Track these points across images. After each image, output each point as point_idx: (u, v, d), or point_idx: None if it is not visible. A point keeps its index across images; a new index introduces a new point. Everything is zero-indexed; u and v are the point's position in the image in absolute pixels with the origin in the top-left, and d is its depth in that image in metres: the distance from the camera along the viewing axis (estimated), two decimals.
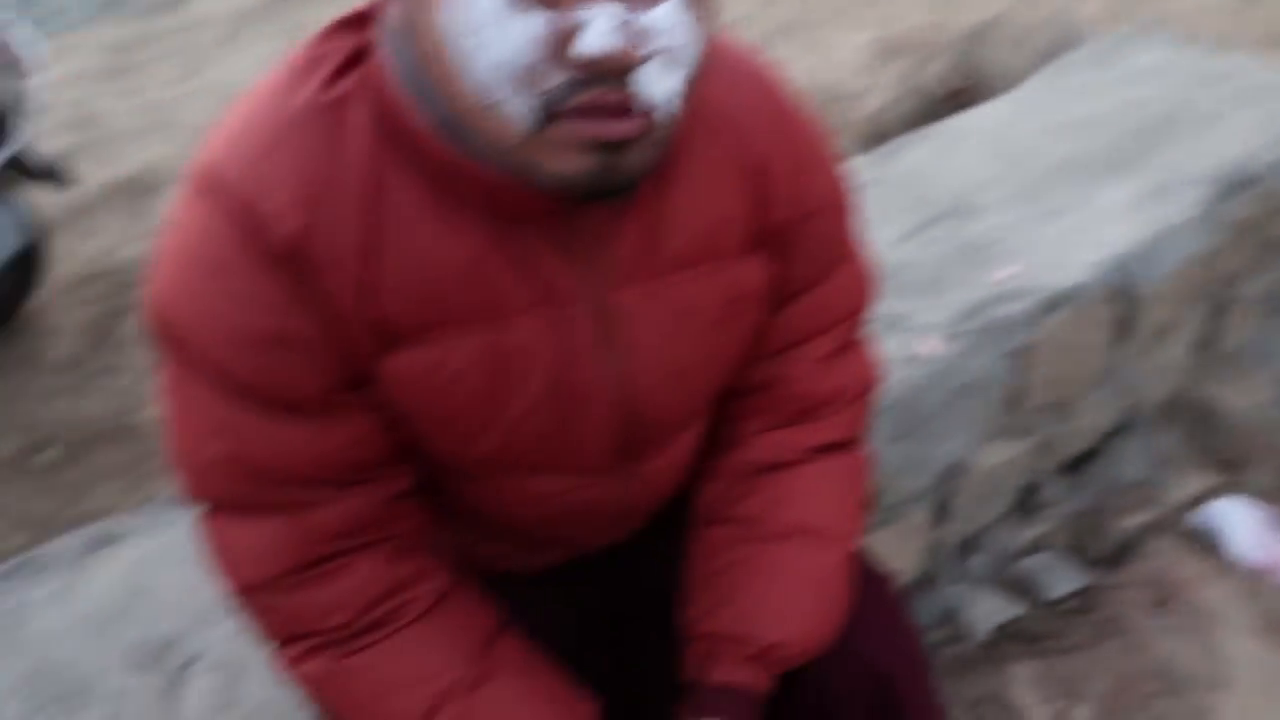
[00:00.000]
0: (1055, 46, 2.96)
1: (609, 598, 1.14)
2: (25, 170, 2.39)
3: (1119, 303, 1.87)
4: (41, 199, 2.75)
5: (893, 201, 2.05)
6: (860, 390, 1.03)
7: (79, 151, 3.50)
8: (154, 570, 1.38)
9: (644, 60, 0.64)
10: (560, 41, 0.62)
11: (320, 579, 0.82)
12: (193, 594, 1.34)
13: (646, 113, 0.66)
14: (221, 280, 0.72)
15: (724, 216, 0.84)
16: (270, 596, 0.83)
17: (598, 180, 0.68)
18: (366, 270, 0.74)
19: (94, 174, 3.28)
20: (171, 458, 0.83)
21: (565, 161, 0.67)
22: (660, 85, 0.66)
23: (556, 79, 0.63)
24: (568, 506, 0.94)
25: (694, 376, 0.90)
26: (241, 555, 0.83)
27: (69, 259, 2.82)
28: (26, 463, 2.22)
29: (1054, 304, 1.76)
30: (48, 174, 2.44)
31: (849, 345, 1.02)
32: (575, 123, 0.65)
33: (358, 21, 0.77)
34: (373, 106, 0.73)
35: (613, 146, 0.66)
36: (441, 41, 0.64)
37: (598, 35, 0.61)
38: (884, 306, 1.76)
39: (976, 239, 1.92)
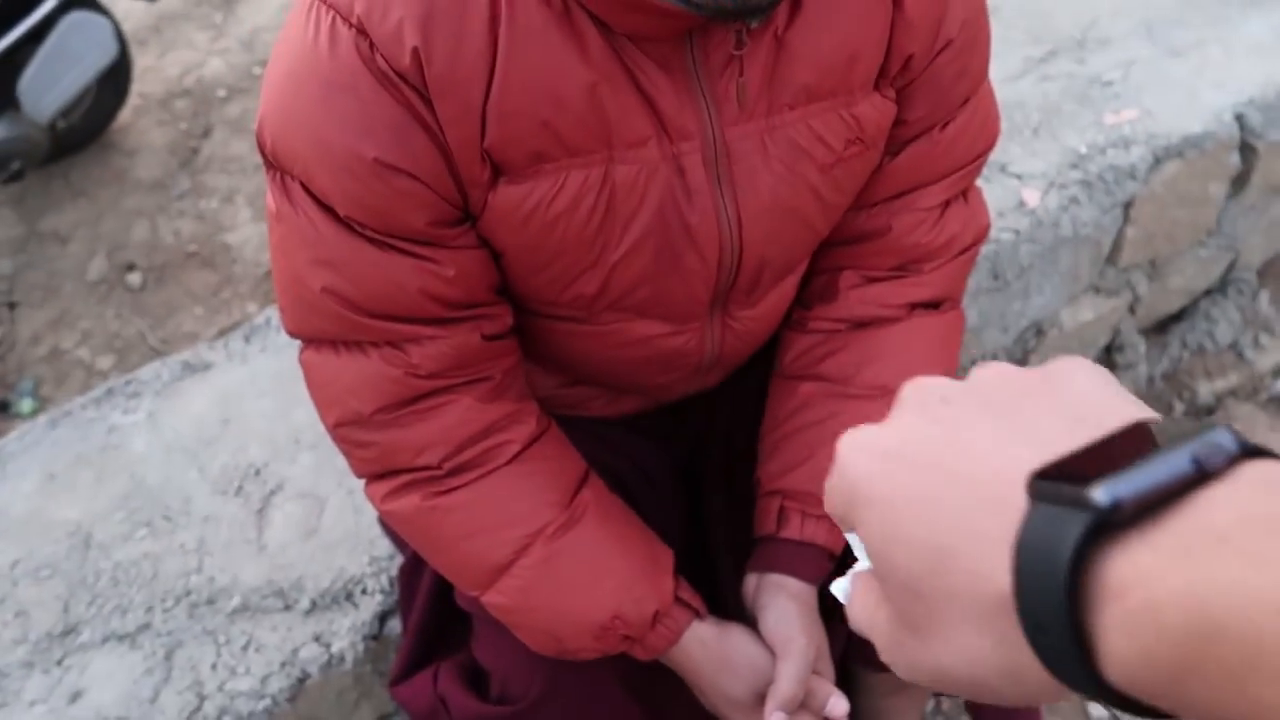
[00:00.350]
0: None
1: (688, 447, 1.14)
2: None
3: (1240, 152, 1.72)
4: (123, 8, 2.71)
5: (1010, 32, 1.89)
6: (968, 243, 0.97)
7: None
8: (240, 399, 1.43)
9: None
10: None
11: (415, 416, 0.83)
12: (277, 424, 1.39)
13: None
14: (332, 103, 0.70)
15: (853, 49, 0.78)
16: (366, 432, 0.84)
17: None
18: (485, 93, 0.71)
19: None
20: (276, 288, 0.83)
21: None
22: None
23: None
24: (658, 353, 0.93)
25: (802, 220, 0.87)
26: (340, 390, 0.84)
27: (153, 74, 2.81)
28: (115, 283, 2.29)
29: (1168, 154, 1.63)
30: None
31: (961, 194, 0.96)
32: None
33: None
34: None
35: None
36: None
37: None
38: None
39: (1095, 77, 1.77)
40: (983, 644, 0.31)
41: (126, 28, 2.85)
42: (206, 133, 2.64)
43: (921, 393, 0.38)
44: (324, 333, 0.82)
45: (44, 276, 2.32)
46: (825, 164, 0.82)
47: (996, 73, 1.79)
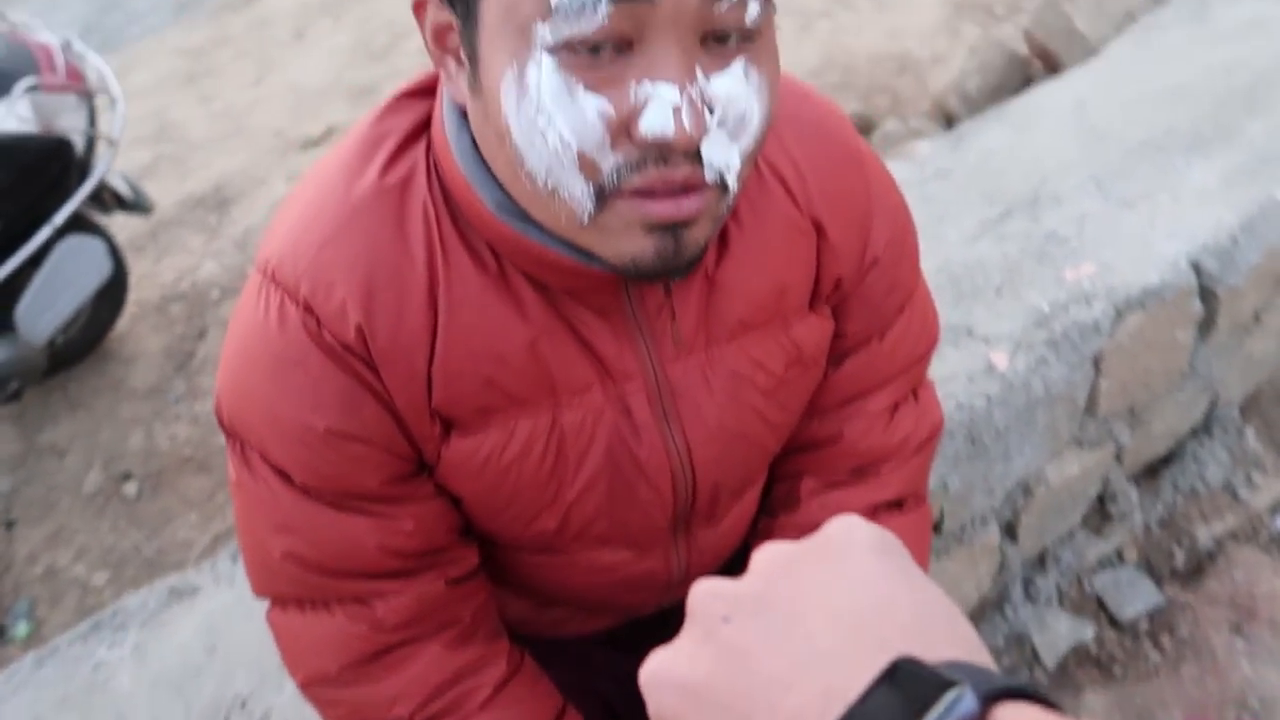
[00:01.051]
0: (1143, 2, 2.77)
1: None
2: (108, 201, 2.46)
3: (1201, 298, 1.75)
4: (120, 218, 2.82)
5: (964, 194, 1.96)
6: (923, 439, 0.99)
7: (157, 165, 3.60)
8: (226, 626, 1.42)
9: (707, 134, 0.61)
10: (624, 121, 0.60)
11: (383, 670, 0.84)
12: (264, 648, 1.38)
13: (709, 187, 0.64)
14: (283, 379, 0.73)
15: (781, 281, 0.81)
16: (334, 690, 0.85)
17: (661, 260, 0.66)
18: (429, 358, 0.74)
19: (171, 190, 3.37)
20: (241, 551, 0.85)
21: (628, 242, 0.65)
22: (725, 157, 0.63)
23: (619, 159, 0.61)
24: (625, 577, 0.94)
25: (751, 442, 0.88)
26: (306, 649, 0.84)
27: (149, 281, 2.91)
28: (112, 495, 2.31)
29: (1131, 305, 1.66)
30: (130, 204, 2.51)
31: (911, 393, 0.98)
32: (637, 203, 0.63)
33: (421, 93, 0.77)
34: (434, 187, 0.73)
35: (676, 225, 0.64)
36: (505, 122, 0.62)
37: (661, 115, 0.59)
38: (953, 315, 1.70)
39: (1051, 233, 1.82)
40: None
41: (124, 237, 2.96)
42: (201, 334, 2.71)
43: (705, 603, 0.38)
44: (287, 594, 0.83)
45: (42, 491, 2.34)
46: (768, 388, 0.84)
47: (954, 234, 1.86)
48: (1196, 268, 1.73)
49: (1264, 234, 1.79)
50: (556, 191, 0.63)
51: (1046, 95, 2.24)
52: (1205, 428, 1.98)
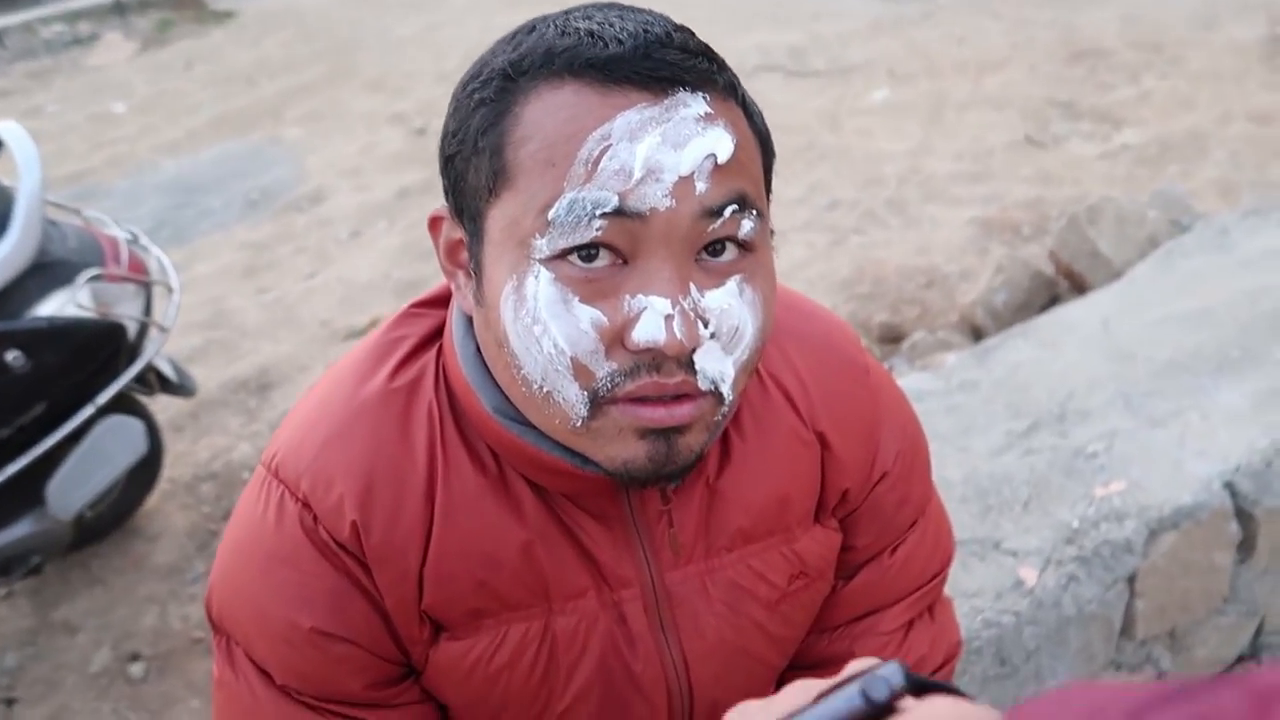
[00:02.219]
0: (1165, 227, 2.86)
1: None
2: (153, 383, 2.54)
3: (1238, 520, 1.71)
4: (163, 398, 2.90)
5: (990, 407, 1.96)
6: (939, 662, 0.95)
7: (207, 349, 3.73)
8: None
9: (700, 344, 0.63)
10: (617, 330, 0.62)
11: None
12: None
13: (703, 395, 0.65)
14: (273, 575, 0.73)
15: (783, 492, 0.81)
16: None
17: (654, 465, 0.66)
18: (422, 558, 0.74)
19: (216, 374, 3.48)
20: None
21: (621, 447, 0.66)
22: (718, 367, 0.65)
23: (613, 366, 0.63)
24: None
25: (753, 657, 0.85)
26: None
27: (184, 460, 2.96)
28: (117, 675, 2.26)
29: (1164, 525, 1.62)
30: (174, 387, 2.58)
31: (926, 611, 0.94)
32: (630, 408, 0.64)
33: (435, 302, 0.81)
34: (440, 390, 0.75)
35: (669, 431, 0.65)
36: (503, 329, 0.65)
37: (653, 324, 0.61)
38: (979, 528, 1.67)
39: (1079, 449, 1.80)
40: None
41: (164, 417, 3.03)
42: (227, 515, 2.72)
43: None
44: None
45: (48, 669, 2.30)
46: (770, 601, 0.82)
47: (981, 447, 1.85)
48: (1231, 489, 1.69)
49: None
50: (551, 396, 0.65)
51: (1072, 313, 2.27)
52: (1254, 654, 1.88)
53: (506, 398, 0.71)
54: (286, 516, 0.73)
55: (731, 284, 0.64)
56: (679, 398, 0.64)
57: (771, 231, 0.69)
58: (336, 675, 0.75)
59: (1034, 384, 2.01)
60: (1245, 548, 1.76)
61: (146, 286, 2.38)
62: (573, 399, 0.65)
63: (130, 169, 5.96)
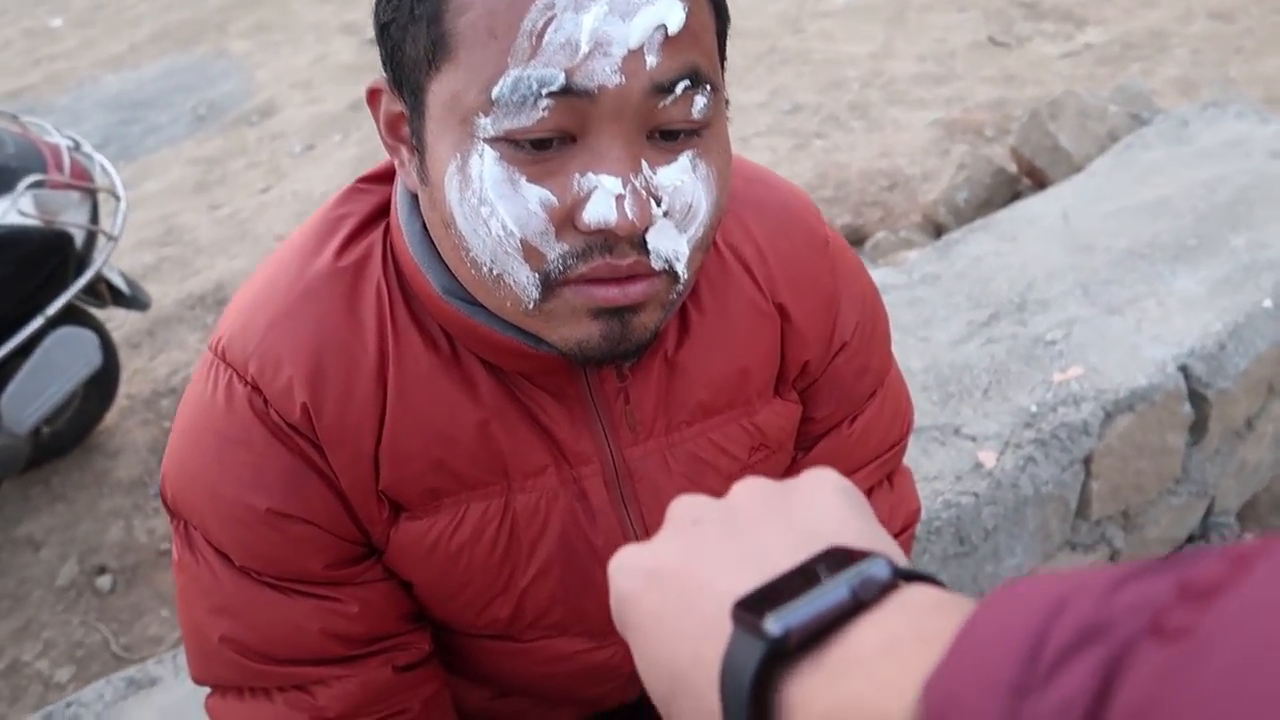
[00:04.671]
0: (1126, 121, 2.85)
1: None
2: (104, 294, 2.48)
3: (1191, 402, 1.74)
4: (119, 314, 2.84)
5: (952, 298, 1.97)
6: (898, 529, 0.96)
7: (161, 266, 3.65)
8: (184, 717, 1.36)
9: (653, 223, 0.61)
10: (567, 211, 0.60)
11: None
12: None
13: (657, 274, 0.63)
14: (226, 457, 0.72)
15: (743, 364, 0.80)
16: None
17: (608, 344, 0.65)
18: (376, 439, 0.73)
19: (173, 289, 3.41)
20: (183, 639, 0.82)
21: (574, 328, 0.65)
22: (671, 246, 0.63)
23: (564, 248, 0.61)
24: (583, 667, 0.90)
25: None
26: None
27: (142, 376, 2.91)
28: (84, 588, 2.26)
29: (1120, 407, 1.65)
30: (126, 300, 2.53)
31: (885, 480, 0.95)
32: (583, 289, 0.63)
33: (381, 178, 0.78)
34: (389, 269, 0.73)
35: (623, 310, 0.64)
36: (449, 210, 0.63)
37: (603, 204, 0.59)
38: (940, 414, 1.69)
39: (1038, 337, 1.82)
40: None
41: (120, 334, 2.98)
42: None
43: (681, 510, 0.42)
44: (226, 680, 0.80)
45: (13, 585, 2.29)
46: (731, 474, 0.82)
47: (942, 337, 1.87)
48: (1185, 371, 1.72)
49: (1252, 341, 1.79)
50: (501, 278, 0.64)
51: (1033, 207, 2.28)
52: (1203, 534, 1.94)
53: (456, 278, 0.69)
54: (236, 399, 0.72)
55: (684, 159, 0.62)
56: (632, 277, 0.63)
57: (726, 102, 0.66)
58: (296, 556, 0.74)
59: (994, 276, 2.02)
60: (1197, 429, 1.80)
61: (91, 194, 2.31)
62: (524, 281, 0.63)
63: (71, 85, 5.75)
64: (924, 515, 1.46)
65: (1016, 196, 2.89)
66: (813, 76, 4.45)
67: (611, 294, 0.63)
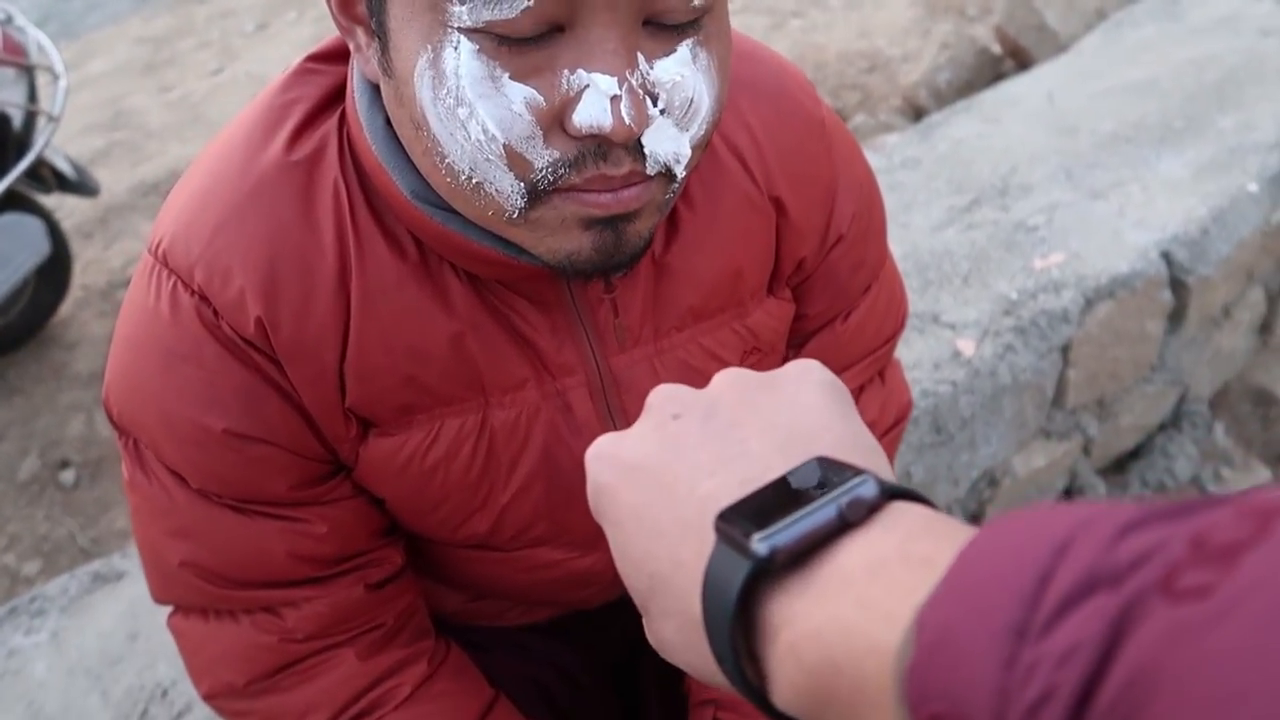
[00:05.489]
0: None
1: (619, 648, 1.06)
2: (49, 180, 2.37)
3: (1171, 289, 1.72)
4: (69, 203, 2.73)
5: (933, 183, 1.92)
6: (890, 424, 0.93)
7: (111, 151, 3.50)
8: (151, 611, 1.34)
9: (650, 125, 0.55)
10: (556, 112, 0.53)
11: (295, 680, 0.76)
12: None
13: (652, 178, 0.57)
14: (174, 373, 0.65)
15: (736, 265, 0.74)
16: (242, 701, 0.77)
17: (600, 257, 0.59)
18: (340, 354, 0.67)
19: (125, 176, 3.27)
20: (140, 558, 0.77)
21: (564, 239, 0.58)
22: (672, 147, 0.56)
23: (553, 155, 0.55)
24: (566, 574, 0.87)
25: None
26: (211, 660, 0.76)
27: (96, 267, 2.82)
28: (47, 482, 2.22)
29: (1100, 294, 1.63)
30: (73, 185, 2.41)
31: (877, 375, 0.92)
32: (573, 195, 0.56)
33: (331, 56, 0.69)
34: (347, 164, 0.65)
35: (616, 219, 0.58)
36: (420, 110, 0.55)
37: (597, 106, 0.52)
38: (919, 302, 1.65)
39: (1019, 223, 1.78)
40: (691, 656, 0.35)
41: (71, 223, 2.87)
42: None
43: (662, 401, 0.41)
44: (188, 602, 0.76)
45: None
46: None
47: (922, 222, 1.82)
48: (1167, 257, 1.70)
49: (1235, 226, 1.76)
50: (482, 187, 0.56)
51: (1016, 88, 2.21)
52: (1174, 422, 1.95)
53: (426, 182, 0.62)
54: (182, 309, 0.64)
55: (684, 50, 0.55)
56: (627, 183, 0.56)
57: None
58: (258, 477, 0.69)
59: (976, 159, 1.97)
60: (1176, 317, 1.78)
61: (28, 72, 2.18)
62: (507, 190, 0.56)
63: None
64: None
65: (1000, 77, 2.81)
66: None
67: (604, 200, 0.56)
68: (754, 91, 0.75)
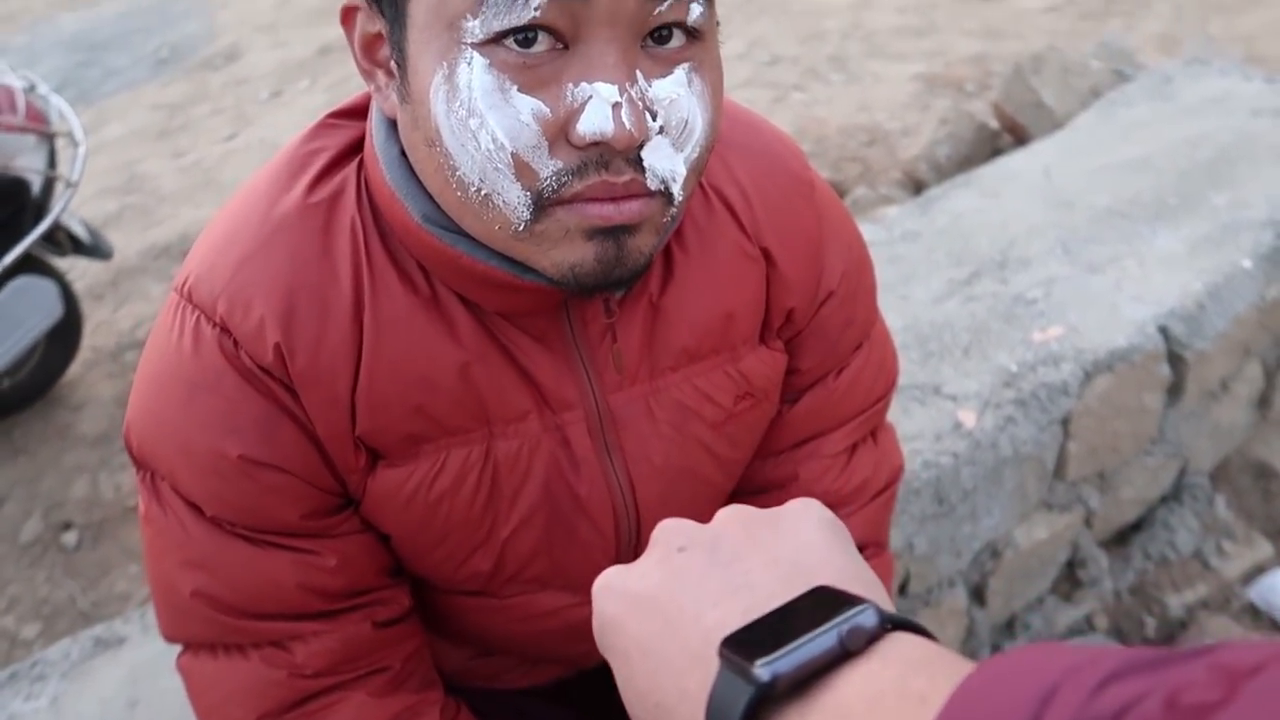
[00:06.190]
0: (1108, 77, 2.83)
1: (613, 716, 1.06)
2: (64, 243, 2.41)
3: (1169, 363, 1.74)
4: (81, 264, 2.77)
5: (933, 255, 1.95)
6: (882, 485, 0.95)
7: (123, 215, 3.56)
8: (152, 677, 1.34)
9: (649, 137, 0.59)
10: (561, 122, 0.57)
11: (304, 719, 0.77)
12: (189, 706, 1.30)
13: (652, 195, 0.61)
14: (196, 403, 0.68)
15: (728, 309, 0.78)
16: None
17: (602, 268, 0.62)
18: (352, 383, 0.70)
19: (136, 239, 3.32)
20: (151, 591, 0.79)
21: (568, 250, 0.62)
22: (668, 165, 0.60)
23: (558, 164, 0.59)
24: (566, 623, 0.88)
25: (700, 479, 0.84)
26: (220, 699, 0.77)
27: (106, 328, 2.85)
28: (49, 544, 2.22)
29: (1099, 367, 1.64)
30: (87, 249, 2.45)
31: (870, 435, 0.94)
32: (577, 206, 0.60)
33: (353, 113, 0.74)
34: (364, 204, 0.70)
35: (617, 231, 0.61)
36: (434, 125, 0.59)
37: (599, 114, 0.56)
38: (920, 373, 1.67)
39: (1018, 295, 1.81)
40: None
41: (82, 285, 2.90)
42: None
43: (667, 535, 0.42)
44: (199, 637, 0.77)
45: None
46: (716, 421, 0.80)
47: (922, 294, 1.85)
48: (1164, 332, 1.72)
49: (1231, 301, 1.79)
50: (490, 198, 0.60)
51: (1014, 163, 2.25)
52: (1175, 495, 1.96)
53: (437, 205, 0.66)
54: (204, 342, 0.68)
55: (680, 73, 0.60)
56: (628, 195, 0.60)
57: (717, 23, 0.63)
58: (270, 505, 0.71)
59: (975, 232, 2.00)
60: (1175, 390, 1.80)
61: (49, 139, 2.23)
62: (514, 201, 0.60)
63: (25, 24, 5.56)
64: (904, 475, 1.46)
65: (998, 153, 2.87)
66: (791, 27, 4.39)
67: (607, 211, 0.60)
68: (744, 150, 0.80)
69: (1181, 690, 0.24)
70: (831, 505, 0.91)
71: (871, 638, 0.33)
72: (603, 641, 0.41)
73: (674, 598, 0.38)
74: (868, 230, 2.08)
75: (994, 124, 3.02)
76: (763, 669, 0.32)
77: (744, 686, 0.32)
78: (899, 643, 0.33)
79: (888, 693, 0.31)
